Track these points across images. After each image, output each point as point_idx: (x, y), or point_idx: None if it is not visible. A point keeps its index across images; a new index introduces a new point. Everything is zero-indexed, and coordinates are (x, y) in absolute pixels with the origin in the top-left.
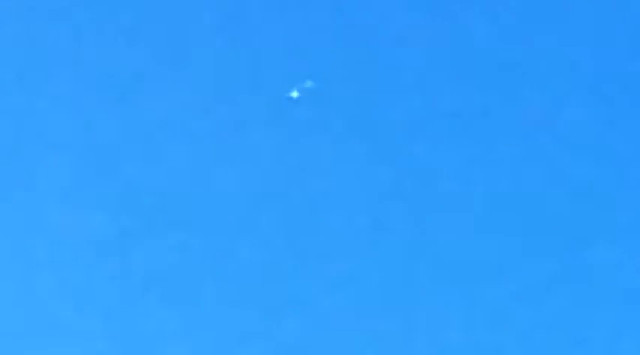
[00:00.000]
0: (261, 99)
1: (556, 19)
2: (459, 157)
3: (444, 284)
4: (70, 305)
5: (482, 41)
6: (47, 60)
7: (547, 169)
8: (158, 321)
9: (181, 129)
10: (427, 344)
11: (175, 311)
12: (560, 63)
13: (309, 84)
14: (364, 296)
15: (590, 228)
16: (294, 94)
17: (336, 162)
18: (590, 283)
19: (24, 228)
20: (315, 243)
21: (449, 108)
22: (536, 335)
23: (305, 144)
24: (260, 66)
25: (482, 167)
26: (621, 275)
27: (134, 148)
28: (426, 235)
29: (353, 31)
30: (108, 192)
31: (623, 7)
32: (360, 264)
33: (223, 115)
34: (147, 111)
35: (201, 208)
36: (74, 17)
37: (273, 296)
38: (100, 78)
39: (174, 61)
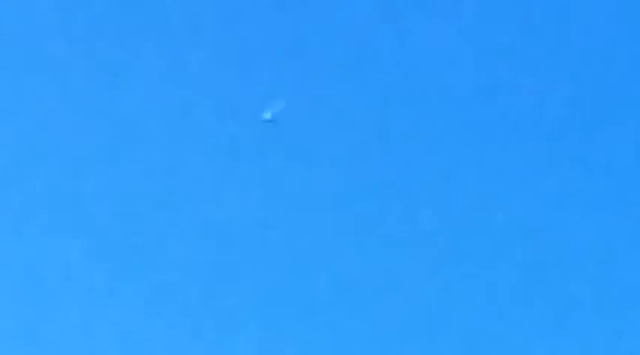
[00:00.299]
0: (237, 122)
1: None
2: (441, 180)
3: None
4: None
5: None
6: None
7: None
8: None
9: (157, 157)
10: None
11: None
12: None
13: (281, 104)
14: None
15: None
16: (268, 115)
17: (314, 179)
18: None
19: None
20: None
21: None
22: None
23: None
24: (233, 88)
25: (466, 194)
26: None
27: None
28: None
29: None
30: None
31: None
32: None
33: (201, 140)
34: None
35: (183, 230)
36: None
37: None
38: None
39: (149, 92)
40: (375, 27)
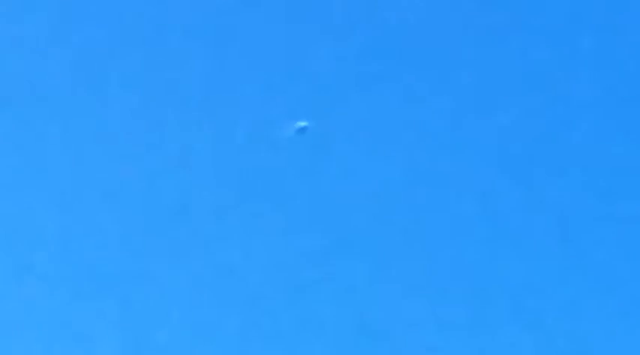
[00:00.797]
0: (258, 136)
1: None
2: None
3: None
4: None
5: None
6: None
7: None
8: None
9: (174, 174)
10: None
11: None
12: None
13: (303, 123)
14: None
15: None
16: (289, 132)
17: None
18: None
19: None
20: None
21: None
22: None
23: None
24: (256, 102)
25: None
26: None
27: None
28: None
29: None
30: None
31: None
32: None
33: (216, 147)
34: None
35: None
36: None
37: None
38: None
39: (170, 99)
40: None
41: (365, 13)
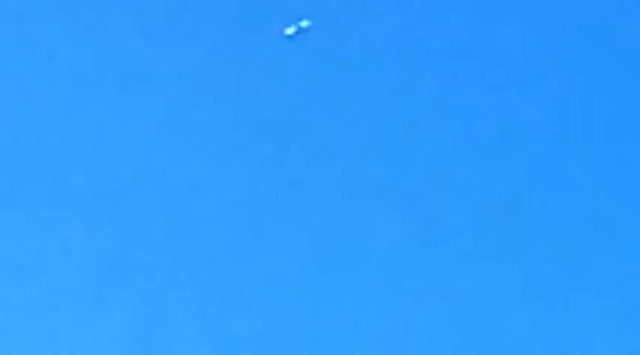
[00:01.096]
0: (256, 36)
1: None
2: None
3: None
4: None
5: None
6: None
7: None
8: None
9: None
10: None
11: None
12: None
13: (305, 23)
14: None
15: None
16: (290, 31)
17: (329, 103)
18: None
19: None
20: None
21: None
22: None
23: (299, 84)
24: (258, 3)
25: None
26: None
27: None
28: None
29: None
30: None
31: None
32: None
33: (217, 54)
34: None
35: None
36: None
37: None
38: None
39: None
40: None
41: None
